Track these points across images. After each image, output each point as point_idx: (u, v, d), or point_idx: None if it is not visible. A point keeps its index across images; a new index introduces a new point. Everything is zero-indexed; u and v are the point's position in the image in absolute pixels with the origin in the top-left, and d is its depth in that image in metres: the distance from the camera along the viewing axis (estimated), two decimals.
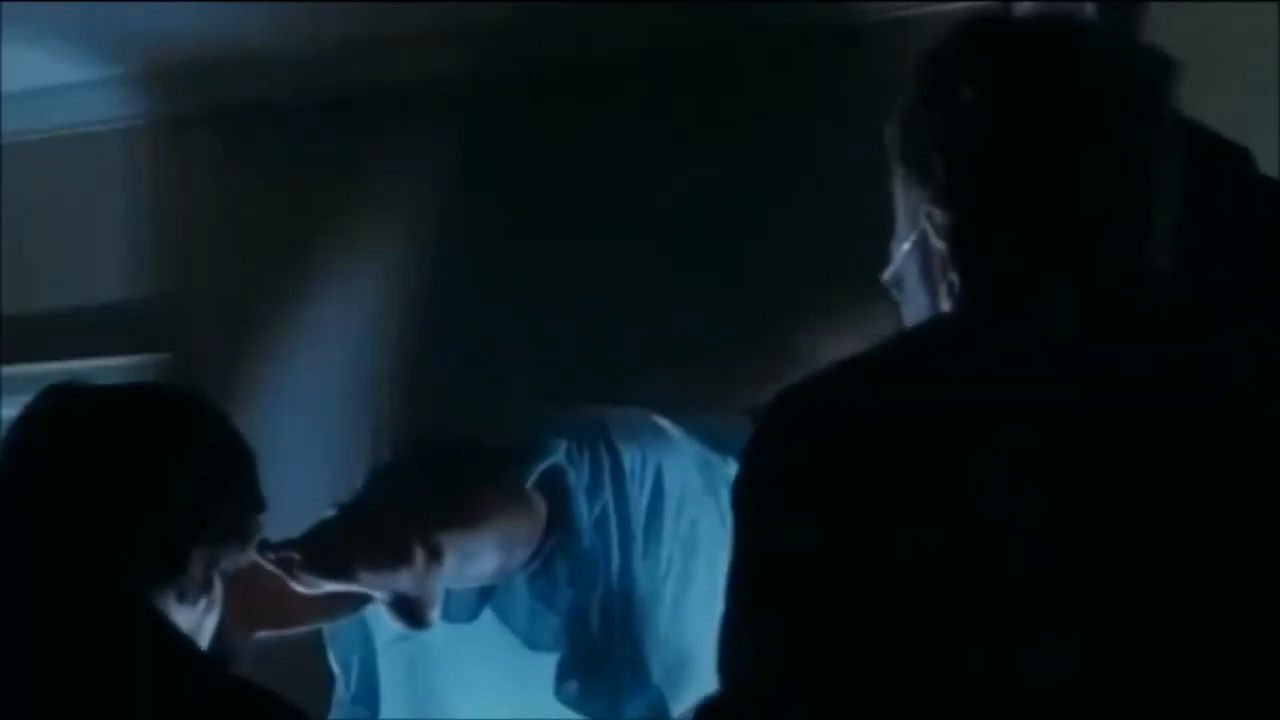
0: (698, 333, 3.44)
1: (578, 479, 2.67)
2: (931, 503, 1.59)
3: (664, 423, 2.87)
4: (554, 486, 2.65)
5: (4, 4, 3.52)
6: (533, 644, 2.68)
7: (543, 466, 2.64)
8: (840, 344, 2.57)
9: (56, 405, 2.07)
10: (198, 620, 2.07)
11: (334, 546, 2.44)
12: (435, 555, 2.49)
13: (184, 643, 2.00)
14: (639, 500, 2.72)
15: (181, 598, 2.03)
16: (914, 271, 1.82)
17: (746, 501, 1.69)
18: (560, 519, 2.64)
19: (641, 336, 3.50)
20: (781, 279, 3.39)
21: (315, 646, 2.71)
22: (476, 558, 2.58)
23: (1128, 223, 1.74)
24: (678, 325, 3.48)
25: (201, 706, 1.92)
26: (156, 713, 1.89)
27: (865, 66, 3.20)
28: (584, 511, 2.66)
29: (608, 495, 2.68)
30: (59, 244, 4.08)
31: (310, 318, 3.77)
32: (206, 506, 2.05)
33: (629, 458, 2.72)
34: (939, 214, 1.74)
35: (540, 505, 2.63)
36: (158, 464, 2.04)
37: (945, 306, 1.77)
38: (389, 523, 2.48)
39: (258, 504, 2.13)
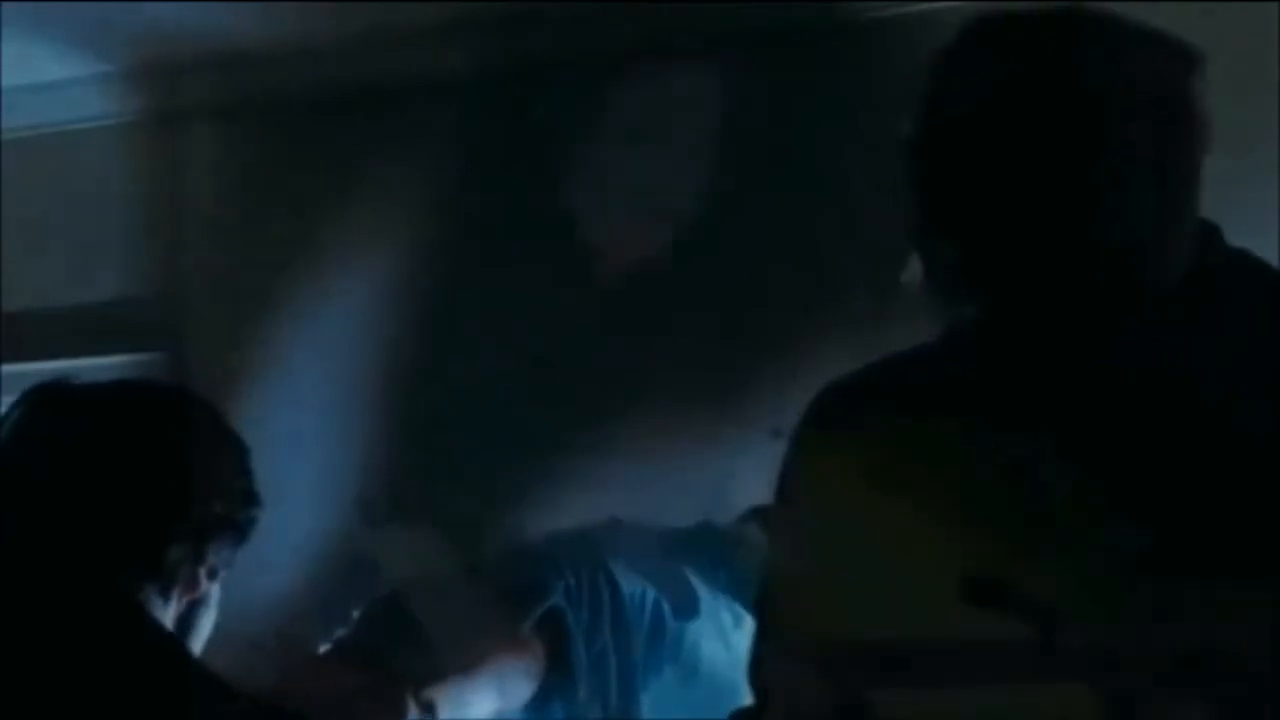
0: (698, 330, 3.44)
1: (577, 620, 2.69)
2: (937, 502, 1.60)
3: (665, 542, 2.88)
4: (553, 628, 2.67)
5: (2, 2, 3.52)
6: None
7: (541, 610, 2.67)
8: (841, 342, 2.57)
9: (42, 403, 2.07)
10: (190, 617, 2.07)
11: (327, 708, 2.45)
12: (429, 711, 2.52)
13: (167, 640, 2.00)
14: (640, 627, 2.74)
15: (169, 595, 2.03)
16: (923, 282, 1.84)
17: (773, 512, 1.71)
18: (559, 661, 2.67)
19: (643, 335, 3.50)
20: (781, 278, 3.39)
21: None
22: (472, 706, 2.60)
23: (1141, 216, 1.74)
24: (678, 324, 3.48)
25: (180, 704, 1.92)
26: (135, 709, 1.89)
27: (865, 66, 3.20)
28: (582, 654, 2.68)
29: (607, 634, 2.71)
30: (57, 242, 4.08)
31: (310, 316, 3.77)
32: (194, 502, 2.05)
33: (628, 585, 2.74)
34: (940, 245, 1.76)
35: (539, 647, 2.66)
36: (144, 460, 2.04)
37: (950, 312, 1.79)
38: (384, 680, 2.51)
39: (250, 499, 2.13)
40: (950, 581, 1.59)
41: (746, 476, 3.15)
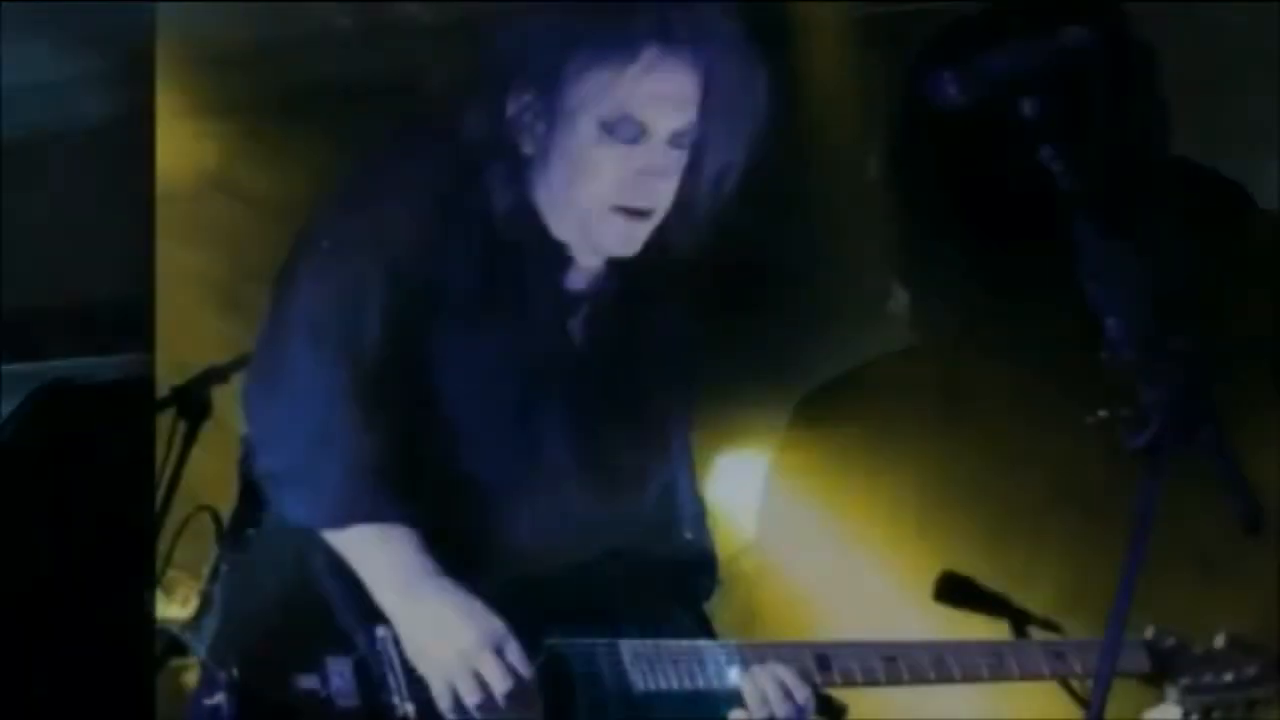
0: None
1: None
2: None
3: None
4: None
5: (3, 2, 3.52)
6: None
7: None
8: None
9: (45, 404, 2.08)
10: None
11: None
12: None
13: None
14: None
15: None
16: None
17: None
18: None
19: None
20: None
21: None
22: None
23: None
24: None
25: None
26: (132, 701, 1.90)
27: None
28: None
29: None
30: (56, 241, 4.08)
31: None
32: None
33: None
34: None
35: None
36: (143, 459, 2.05)
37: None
38: None
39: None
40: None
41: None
